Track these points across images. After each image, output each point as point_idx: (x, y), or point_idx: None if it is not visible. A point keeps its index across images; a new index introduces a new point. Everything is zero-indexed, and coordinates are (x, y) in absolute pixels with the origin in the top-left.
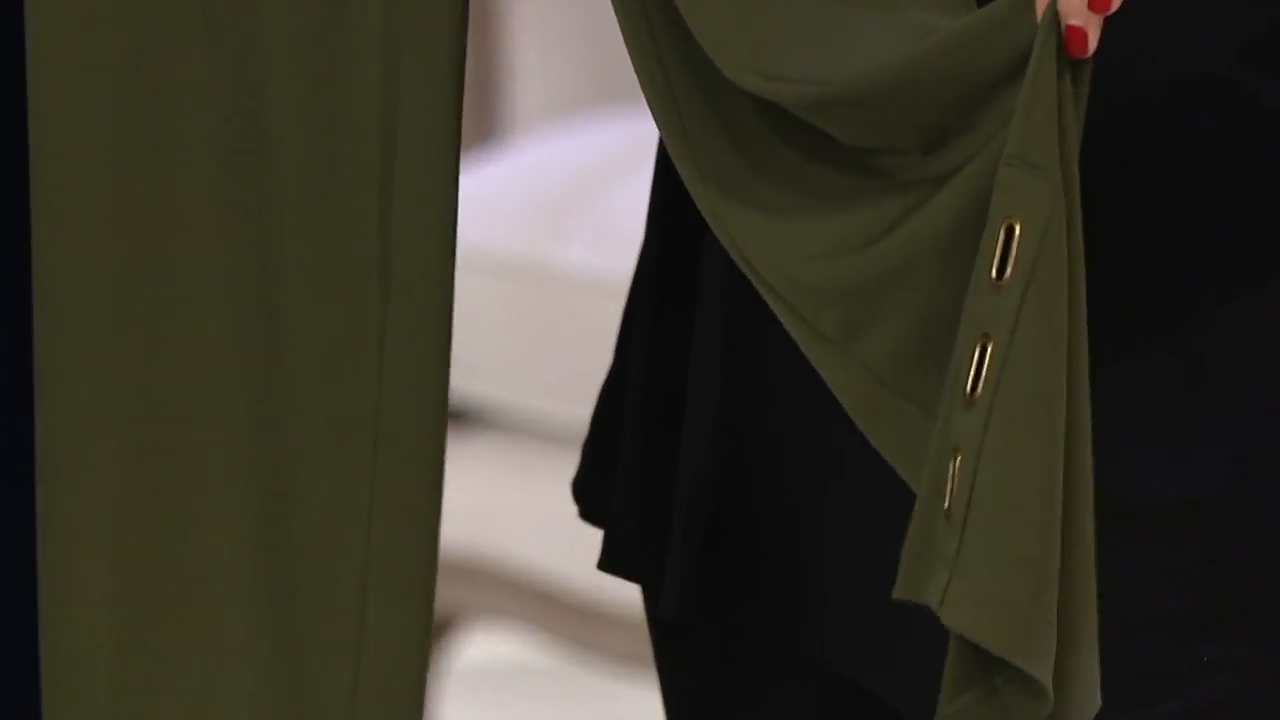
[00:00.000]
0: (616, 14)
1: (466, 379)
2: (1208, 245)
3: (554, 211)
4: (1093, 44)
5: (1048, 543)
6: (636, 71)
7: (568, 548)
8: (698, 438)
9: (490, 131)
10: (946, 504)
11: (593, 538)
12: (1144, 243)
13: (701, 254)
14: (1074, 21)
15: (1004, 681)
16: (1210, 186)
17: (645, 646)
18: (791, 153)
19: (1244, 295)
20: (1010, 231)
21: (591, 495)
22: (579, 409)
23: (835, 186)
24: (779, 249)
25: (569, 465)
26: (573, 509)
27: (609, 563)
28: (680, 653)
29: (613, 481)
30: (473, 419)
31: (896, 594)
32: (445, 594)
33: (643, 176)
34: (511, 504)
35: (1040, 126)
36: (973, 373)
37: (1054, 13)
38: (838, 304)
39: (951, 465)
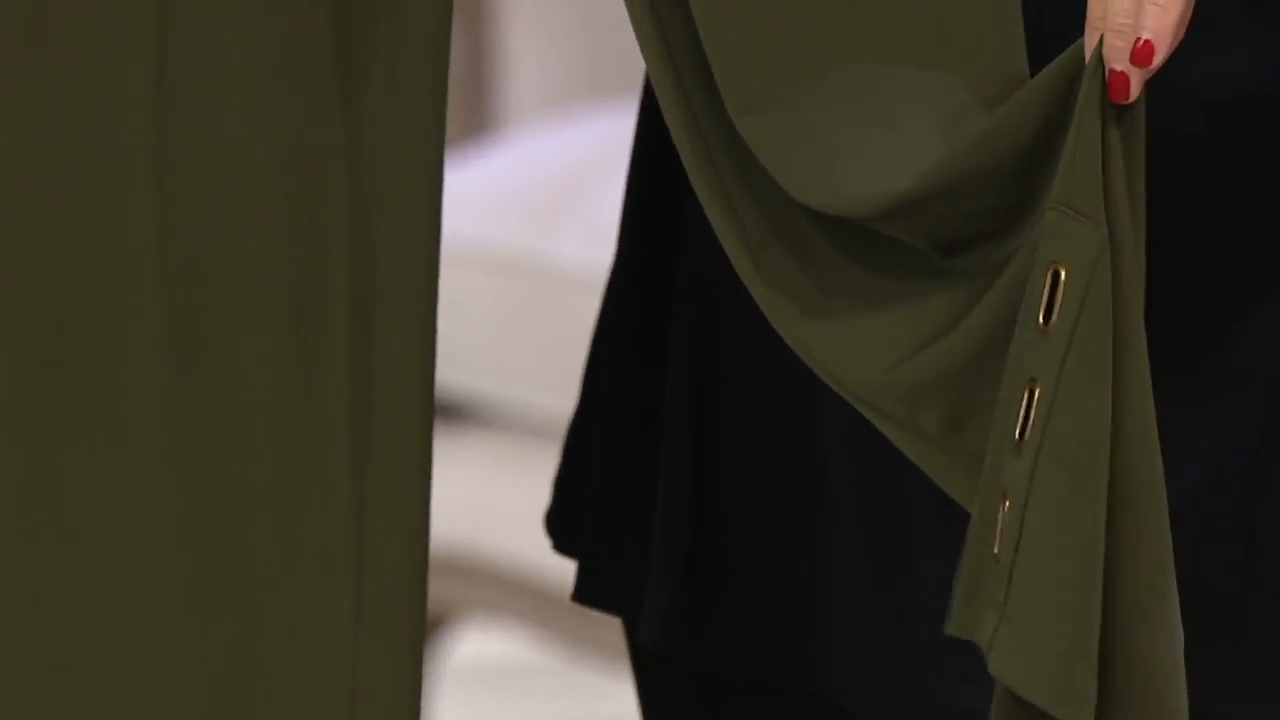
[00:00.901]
0: (678, 144)
1: (458, 374)
2: (1213, 261)
3: (546, 206)
4: (1134, 92)
5: (1089, 592)
6: (701, 198)
7: None
8: (676, 466)
9: (482, 126)
10: (996, 549)
11: None
12: (1156, 257)
13: (673, 282)
14: (1117, 67)
15: None
16: (1222, 202)
17: None
18: (856, 265)
19: (1244, 307)
20: (1056, 277)
21: (566, 528)
22: (571, 404)
23: (905, 289)
24: (860, 359)
25: None
26: None
27: (584, 594)
28: (659, 680)
29: (585, 514)
30: (464, 414)
31: (951, 631)
32: (438, 591)
33: None
34: (504, 499)
35: (1084, 172)
36: (1021, 418)
37: (1099, 58)
38: (933, 399)
39: (1000, 510)
